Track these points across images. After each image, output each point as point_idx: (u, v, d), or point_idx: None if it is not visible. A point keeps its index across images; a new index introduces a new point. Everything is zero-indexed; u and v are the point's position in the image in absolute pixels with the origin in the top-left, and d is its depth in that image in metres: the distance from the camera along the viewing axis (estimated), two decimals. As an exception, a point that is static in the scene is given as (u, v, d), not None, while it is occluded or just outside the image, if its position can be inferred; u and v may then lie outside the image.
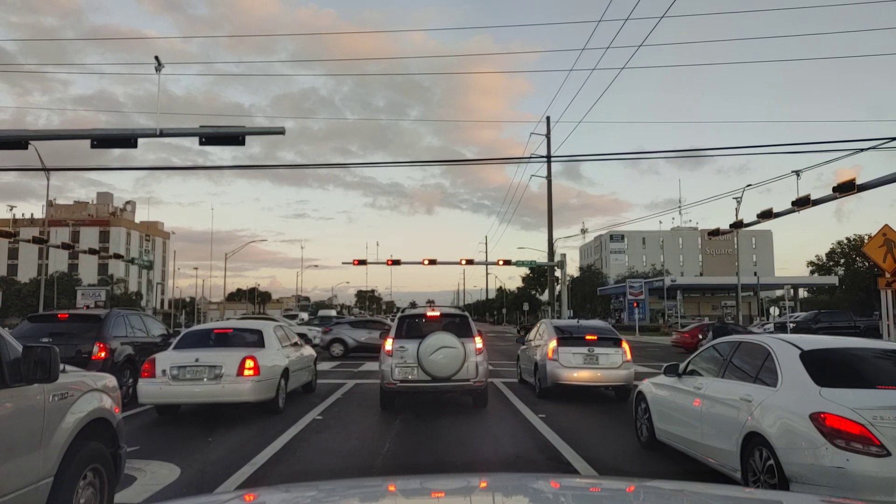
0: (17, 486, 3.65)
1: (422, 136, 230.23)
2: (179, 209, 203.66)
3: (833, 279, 73.18)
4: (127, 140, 15.27)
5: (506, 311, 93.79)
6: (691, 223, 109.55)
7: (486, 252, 76.50)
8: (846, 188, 18.81)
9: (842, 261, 77.01)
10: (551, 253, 36.02)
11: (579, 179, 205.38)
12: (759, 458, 5.30)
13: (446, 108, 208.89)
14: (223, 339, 11.26)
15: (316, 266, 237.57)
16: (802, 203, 21.71)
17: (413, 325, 11.49)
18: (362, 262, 42.13)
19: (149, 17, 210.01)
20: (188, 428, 9.57)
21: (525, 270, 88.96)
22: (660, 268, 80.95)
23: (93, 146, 15.02)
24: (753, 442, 5.40)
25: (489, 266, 71.85)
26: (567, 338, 12.72)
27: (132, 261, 53.57)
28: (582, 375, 12.31)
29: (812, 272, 79.76)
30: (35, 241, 35.86)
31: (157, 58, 15.77)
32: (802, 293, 74.11)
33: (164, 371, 9.87)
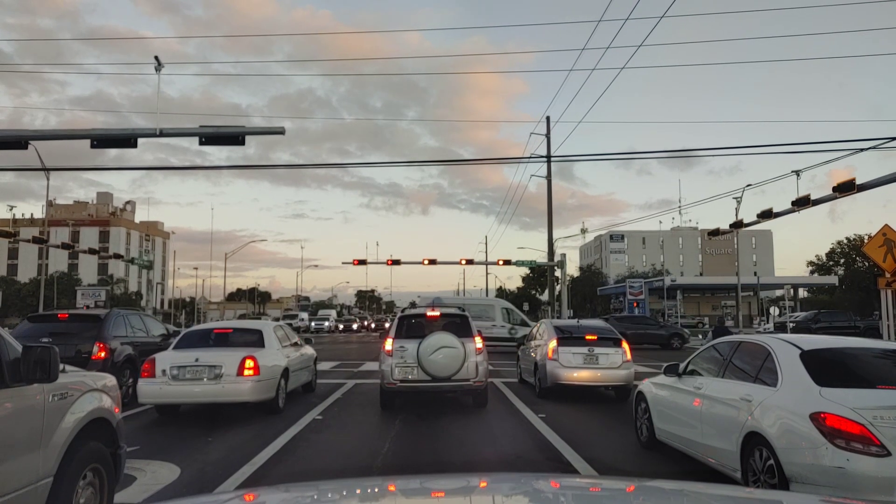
0: (17, 485, 3.65)
1: (419, 137, 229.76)
2: (178, 209, 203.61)
3: (833, 279, 73.18)
4: (127, 140, 15.28)
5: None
6: (691, 223, 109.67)
7: (486, 252, 76.38)
8: (846, 188, 18.82)
9: (842, 261, 77.00)
10: (551, 253, 36.01)
11: (573, 180, 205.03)
12: (759, 458, 5.30)
13: (443, 109, 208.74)
14: (223, 339, 11.26)
15: (316, 266, 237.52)
16: (802, 203, 21.74)
17: (413, 325, 11.48)
18: (362, 262, 42.13)
19: (146, 19, 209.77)
20: (188, 428, 9.57)
21: (525, 270, 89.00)
22: (660, 268, 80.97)
23: (93, 146, 15.04)
24: (753, 442, 5.40)
25: (489, 266, 71.78)
26: (567, 338, 12.72)
27: (132, 261, 53.61)
28: (582, 375, 12.30)
29: (812, 272, 79.77)
30: (35, 241, 35.86)
31: (156, 58, 15.78)
32: (802, 293, 74.10)
33: (164, 371, 9.86)
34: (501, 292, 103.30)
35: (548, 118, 34.73)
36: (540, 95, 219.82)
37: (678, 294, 66.90)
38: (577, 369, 12.30)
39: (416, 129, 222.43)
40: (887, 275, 16.13)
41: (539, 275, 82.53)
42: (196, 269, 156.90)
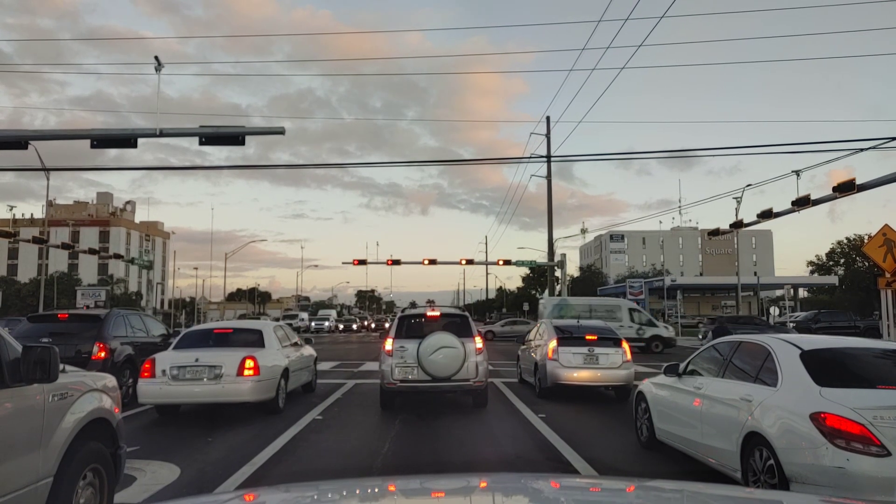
0: (17, 486, 3.65)
1: (419, 137, 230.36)
2: (178, 209, 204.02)
3: (833, 279, 73.13)
4: (127, 140, 15.28)
5: (506, 311, 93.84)
6: (691, 223, 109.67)
7: (486, 252, 76.49)
8: (846, 188, 18.82)
9: (842, 261, 76.93)
10: (551, 253, 36.02)
11: (573, 180, 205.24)
12: (759, 458, 5.30)
13: (443, 109, 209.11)
14: (223, 339, 11.25)
15: (316, 266, 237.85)
16: (802, 203, 21.74)
17: (413, 325, 11.48)
18: (362, 262, 42.17)
19: (145, 19, 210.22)
20: (188, 428, 9.57)
21: (525, 270, 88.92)
22: (660, 268, 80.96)
23: (93, 146, 15.04)
24: (753, 442, 5.40)
25: (489, 266, 71.84)
26: (567, 338, 12.71)
27: (132, 261, 53.59)
28: (582, 375, 12.30)
29: (812, 272, 79.70)
30: (35, 241, 35.86)
31: (156, 58, 15.78)
32: (802, 293, 74.09)
33: (164, 371, 9.86)
34: (501, 292, 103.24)
35: (548, 118, 34.80)
36: (540, 95, 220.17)
37: (678, 294, 66.80)
38: (577, 369, 12.29)
39: (416, 129, 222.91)
40: (887, 275, 16.13)
41: (539, 275, 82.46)
42: (196, 269, 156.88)
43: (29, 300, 70.62)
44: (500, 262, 39.43)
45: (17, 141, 15.23)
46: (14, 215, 65.71)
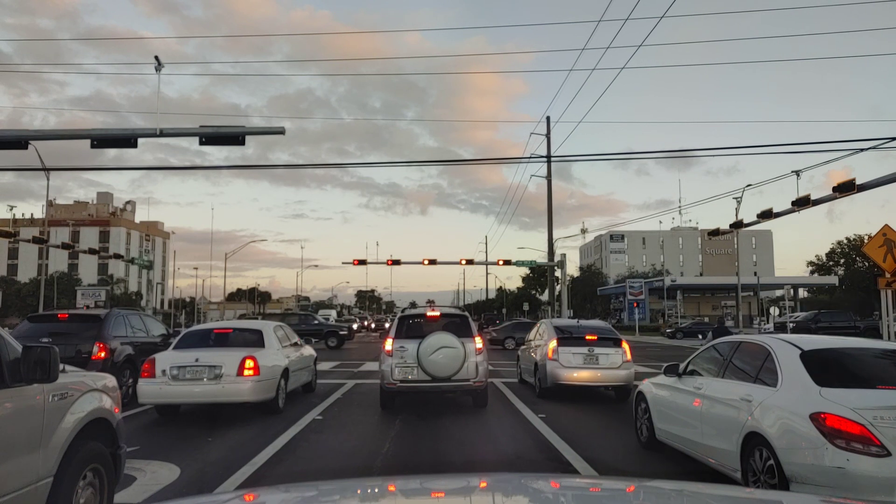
0: (17, 486, 3.65)
1: (418, 137, 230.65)
2: (178, 209, 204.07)
3: (833, 279, 73.21)
4: (127, 140, 15.26)
5: (506, 311, 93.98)
6: (691, 223, 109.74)
7: (486, 252, 76.39)
8: (846, 188, 18.80)
9: (842, 261, 76.99)
10: (551, 253, 35.99)
11: (572, 180, 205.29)
12: (759, 458, 5.30)
13: (442, 109, 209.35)
14: (223, 339, 11.25)
15: (316, 266, 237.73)
16: (802, 203, 21.72)
17: (413, 325, 11.48)
18: (362, 262, 42.12)
19: (145, 19, 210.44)
20: (188, 428, 9.57)
21: (525, 270, 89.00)
22: (660, 268, 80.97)
23: (93, 146, 15.01)
24: (753, 442, 5.40)
25: (489, 266, 71.79)
26: (567, 338, 12.71)
27: (132, 261, 53.53)
28: (582, 375, 12.30)
29: (812, 272, 79.78)
30: (35, 241, 35.83)
31: (156, 57, 15.75)
32: (802, 293, 74.17)
33: (164, 371, 9.86)
34: (501, 292, 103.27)
35: (548, 118, 34.72)
36: (540, 95, 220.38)
37: (678, 294, 66.95)
38: (577, 369, 12.29)
39: (416, 129, 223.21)
40: (887, 275, 16.12)
41: (539, 275, 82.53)
42: (196, 269, 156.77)
43: (29, 300, 70.65)
44: (500, 263, 39.39)
45: (17, 141, 15.20)
46: (14, 215, 65.66)
